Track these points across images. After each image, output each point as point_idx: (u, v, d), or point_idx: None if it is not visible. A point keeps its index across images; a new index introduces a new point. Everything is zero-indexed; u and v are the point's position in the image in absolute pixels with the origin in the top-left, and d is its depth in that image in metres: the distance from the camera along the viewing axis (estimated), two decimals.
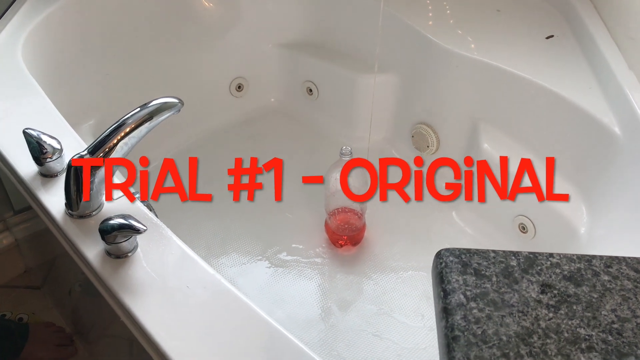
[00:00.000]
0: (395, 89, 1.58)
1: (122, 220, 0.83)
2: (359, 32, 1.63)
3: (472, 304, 0.43)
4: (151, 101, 0.92)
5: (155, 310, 0.79)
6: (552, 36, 1.42)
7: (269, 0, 1.68)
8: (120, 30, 1.49)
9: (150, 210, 1.01)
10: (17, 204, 1.35)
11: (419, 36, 1.46)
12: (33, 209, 1.02)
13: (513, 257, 0.47)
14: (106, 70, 1.49)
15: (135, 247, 0.87)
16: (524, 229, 1.33)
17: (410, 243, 1.43)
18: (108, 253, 0.86)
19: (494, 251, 0.47)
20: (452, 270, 0.45)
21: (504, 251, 0.47)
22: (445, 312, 0.43)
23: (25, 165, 0.99)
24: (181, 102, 0.95)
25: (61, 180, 0.97)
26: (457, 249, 0.47)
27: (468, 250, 0.47)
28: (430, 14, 1.52)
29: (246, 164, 1.63)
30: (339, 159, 1.30)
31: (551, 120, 1.29)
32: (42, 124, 1.05)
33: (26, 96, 1.14)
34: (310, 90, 1.71)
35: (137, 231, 0.82)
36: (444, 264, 0.46)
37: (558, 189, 1.26)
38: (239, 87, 1.74)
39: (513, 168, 1.33)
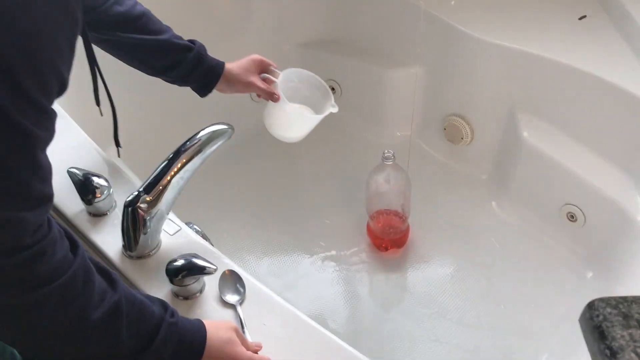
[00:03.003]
0: (423, 82, 1.54)
1: (190, 262, 0.79)
2: (381, 27, 1.58)
3: None
4: (200, 131, 0.87)
5: None
6: (584, 16, 1.37)
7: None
8: None
9: (206, 239, 0.97)
10: None
11: (446, 26, 1.42)
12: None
13: None
14: (126, 87, 1.43)
15: (203, 286, 0.83)
16: (572, 217, 1.30)
17: (455, 240, 1.40)
18: (176, 295, 0.82)
19: None
20: (613, 324, 0.42)
21: None
22: None
23: (71, 205, 0.94)
24: (231, 127, 0.91)
25: (111, 219, 0.93)
26: (612, 298, 0.44)
27: (624, 299, 0.44)
28: (455, 2, 1.48)
29: (276, 170, 1.60)
30: (381, 162, 1.26)
31: (593, 104, 1.25)
32: (83, 159, 1.01)
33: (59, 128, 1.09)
34: (333, 89, 1.66)
35: (208, 273, 0.79)
36: (601, 317, 0.43)
37: (608, 176, 1.23)
38: None
39: (558, 155, 1.30)
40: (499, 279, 1.32)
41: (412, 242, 1.40)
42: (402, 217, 1.35)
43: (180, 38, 1.02)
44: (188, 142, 0.86)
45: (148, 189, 0.83)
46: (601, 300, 0.44)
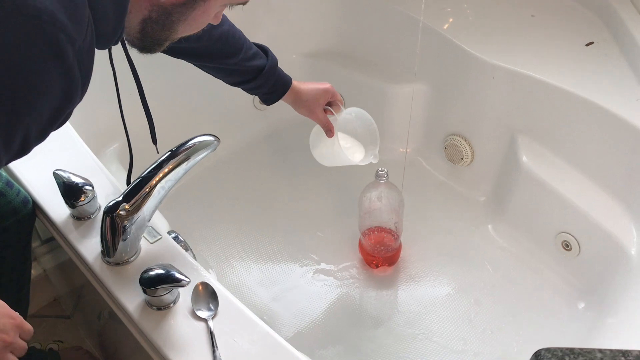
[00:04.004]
0: (426, 100, 1.52)
1: (164, 272, 0.79)
2: (387, 42, 1.57)
3: None
4: (187, 141, 0.87)
5: None
6: (592, 43, 1.35)
7: (291, 10, 1.63)
8: None
9: (187, 250, 0.97)
10: (44, 233, 1.31)
11: (452, 46, 1.41)
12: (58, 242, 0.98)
13: (622, 358, 0.42)
14: (128, 91, 1.44)
15: (177, 297, 0.83)
16: (567, 246, 1.28)
17: (448, 262, 1.38)
18: (149, 304, 0.82)
19: (600, 351, 0.43)
20: None
21: (611, 350, 0.43)
22: None
23: (55, 207, 0.95)
24: (217, 139, 0.91)
25: (94, 223, 0.93)
26: (558, 349, 0.42)
27: (571, 350, 0.42)
28: (462, 21, 1.46)
29: (273, 179, 1.59)
30: (374, 180, 1.25)
31: (595, 134, 1.23)
32: (71, 161, 1.01)
33: None
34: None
35: (181, 284, 0.78)
36: None
37: (605, 207, 1.21)
38: None
39: (556, 183, 1.28)
40: (488, 304, 1.30)
41: (403, 261, 1.38)
42: (394, 235, 1.34)
43: (253, 56, 1.07)
44: (173, 152, 0.86)
45: (128, 197, 0.83)
46: (547, 350, 0.43)
